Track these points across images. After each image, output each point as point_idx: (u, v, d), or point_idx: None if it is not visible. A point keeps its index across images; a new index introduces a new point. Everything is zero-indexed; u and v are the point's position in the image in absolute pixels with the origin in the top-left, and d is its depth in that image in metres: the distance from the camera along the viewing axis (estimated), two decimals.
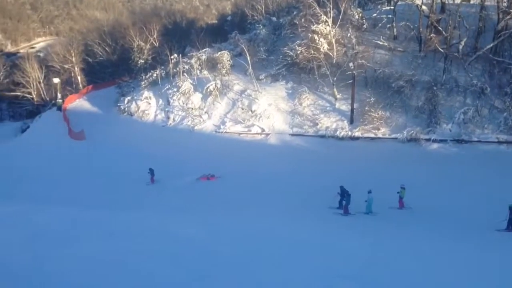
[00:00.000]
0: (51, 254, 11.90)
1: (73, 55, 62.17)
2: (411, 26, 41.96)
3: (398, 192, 24.10)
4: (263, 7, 64.77)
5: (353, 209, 23.41)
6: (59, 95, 54.30)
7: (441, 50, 38.37)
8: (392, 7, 45.56)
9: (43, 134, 45.09)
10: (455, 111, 36.01)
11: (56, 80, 56.37)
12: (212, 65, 47.56)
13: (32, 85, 62.15)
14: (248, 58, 44.39)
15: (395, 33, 44.09)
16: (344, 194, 23.51)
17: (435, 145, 34.84)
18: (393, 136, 36.57)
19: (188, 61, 48.85)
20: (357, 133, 37.63)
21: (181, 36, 65.26)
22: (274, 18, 54.33)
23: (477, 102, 35.73)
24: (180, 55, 49.60)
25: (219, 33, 69.68)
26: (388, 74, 39.53)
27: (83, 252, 12.37)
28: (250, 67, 44.28)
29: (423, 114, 36.78)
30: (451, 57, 38.46)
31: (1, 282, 10.25)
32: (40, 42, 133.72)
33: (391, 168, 30.98)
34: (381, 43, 42.70)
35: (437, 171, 29.86)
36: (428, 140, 35.14)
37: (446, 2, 42.16)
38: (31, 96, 62.34)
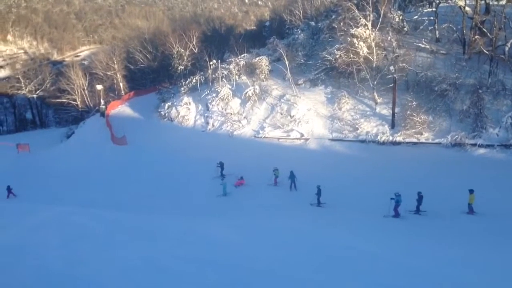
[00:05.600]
0: (88, 258, 11.85)
1: (115, 62, 63.78)
2: (454, 28, 40.84)
3: (273, 171, 30.34)
4: (301, 12, 64.46)
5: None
6: (102, 102, 55.80)
7: (486, 52, 37.11)
8: (434, 9, 44.45)
9: (87, 140, 46.47)
10: (502, 115, 34.63)
11: (99, 87, 58.02)
12: (250, 70, 47.74)
13: (76, 92, 64.24)
14: (287, 63, 44.31)
15: (437, 36, 42.95)
16: None
17: (481, 150, 33.57)
18: (436, 141, 35.48)
19: (227, 66, 49.22)
20: (398, 138, 36.74)
21: (220, 42, 65.86)
22: (312, 23, 54.06)
23: None
24: (219, 61, 50.04)
25: (257, 38, 70.03)
26: (430, 78, 38.48)
27: (120, 256, 12.32)
28: (289, 72, 44.18)
29: (468, 118, 35.52)
30: (497, 59, 37.12)
31: (35, 284, 10.23)
32: (84, 51, 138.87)
33: (436, 173, 30.14)
34: (422, 45, 41.71)
35: (484, 177, 28.67)
36: (474, 145, 33.93)
37: (491, 3, 40.78)
38: (76, 103, 64.40)
